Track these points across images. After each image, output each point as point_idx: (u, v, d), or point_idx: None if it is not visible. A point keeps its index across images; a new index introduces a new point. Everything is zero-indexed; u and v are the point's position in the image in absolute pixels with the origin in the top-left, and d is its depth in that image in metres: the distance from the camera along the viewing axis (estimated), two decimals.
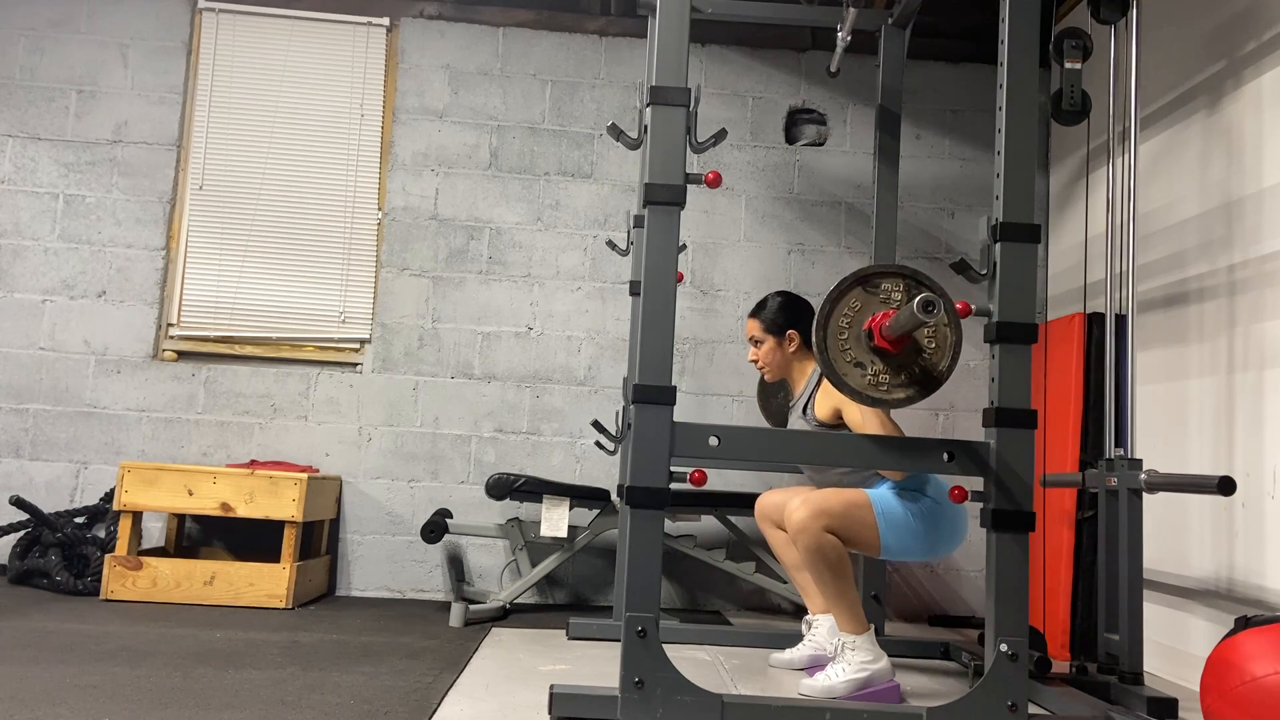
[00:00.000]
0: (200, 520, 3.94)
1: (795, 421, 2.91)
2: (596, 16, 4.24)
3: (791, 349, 2.94)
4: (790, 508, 2.61)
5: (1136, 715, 2.41)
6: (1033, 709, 2.54)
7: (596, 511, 3.72)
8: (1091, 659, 3.00)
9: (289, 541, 3.48)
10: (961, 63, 4.32)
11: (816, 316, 2.28)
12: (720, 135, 2.36)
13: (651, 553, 2.15)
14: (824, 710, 2.13)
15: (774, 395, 3.38)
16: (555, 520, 3.54)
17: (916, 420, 4.13)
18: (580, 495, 3.62)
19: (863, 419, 2.63)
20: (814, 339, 2.27)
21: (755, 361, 2.98)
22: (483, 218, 4.14)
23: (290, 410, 4.00)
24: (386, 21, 4.22)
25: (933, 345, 2.26)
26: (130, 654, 2.60)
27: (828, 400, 2.77)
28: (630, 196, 4.19)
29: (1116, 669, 2.72)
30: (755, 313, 2.98)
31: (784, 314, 2.93)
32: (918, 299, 1.97)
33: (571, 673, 2.69)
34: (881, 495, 2.63)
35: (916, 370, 2.25)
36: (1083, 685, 2.74)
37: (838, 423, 2.75)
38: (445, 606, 3.73)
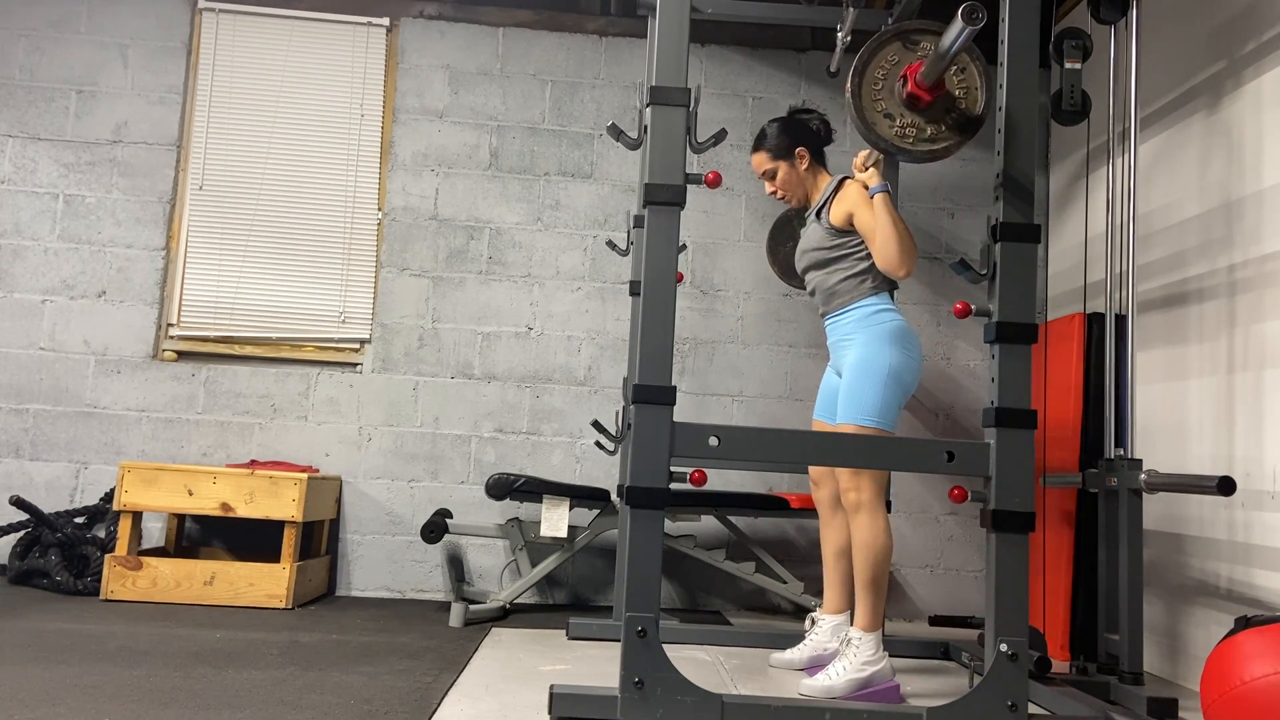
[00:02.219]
0: (200, 520, 3.94)
1: (810, 226, 2.93)
2: (596, 16, 4.24)
3: (804, 166, 2.95)
4: (844, 488, 2.67)
5: (1136, 715, 2.41)
6: (1033, 709, 2.54)
7: (596, 511, 3.72)
8: (1091, 659, 3.00)
9: (289, 541, 3.48)
10: None
11: (854, 64, 2.32)
12: (720, 135, 2.36)
13: (651, 553, 2.15)
14: (824, 710, 2.13)
15: (782, 245, 3.36)
16: (555, 520, 3.54)
17: (916, 421, 4.13)
18: (580, 495, 3.62)
19: (873, 220, 2.67)
20: (848, 85, 2.32)
21: (774, 193, 2.99)
22: (483, 218, 4.14)
23: (290, 410, 4.00)
24: (386, 21, 4.22)
25: (963, 103, 2.29)
26: (130, 654, 2.60)
27: (842, 206, 2.80)
28: (630, 196, 4.19)
29: (1116, 669, 2.72)
30: (757, 146, 2.98)
31: (786, 135, 2.95)
32: (961, 7, 1.97)
33: (571, 673, 2.69)
34: (873, 405, 2.66)
35: (951, 119, 2.29)
36: (1083, 685, 2.74)
37: (849, 227, 2.79)
38: (445, 606, 3.73)
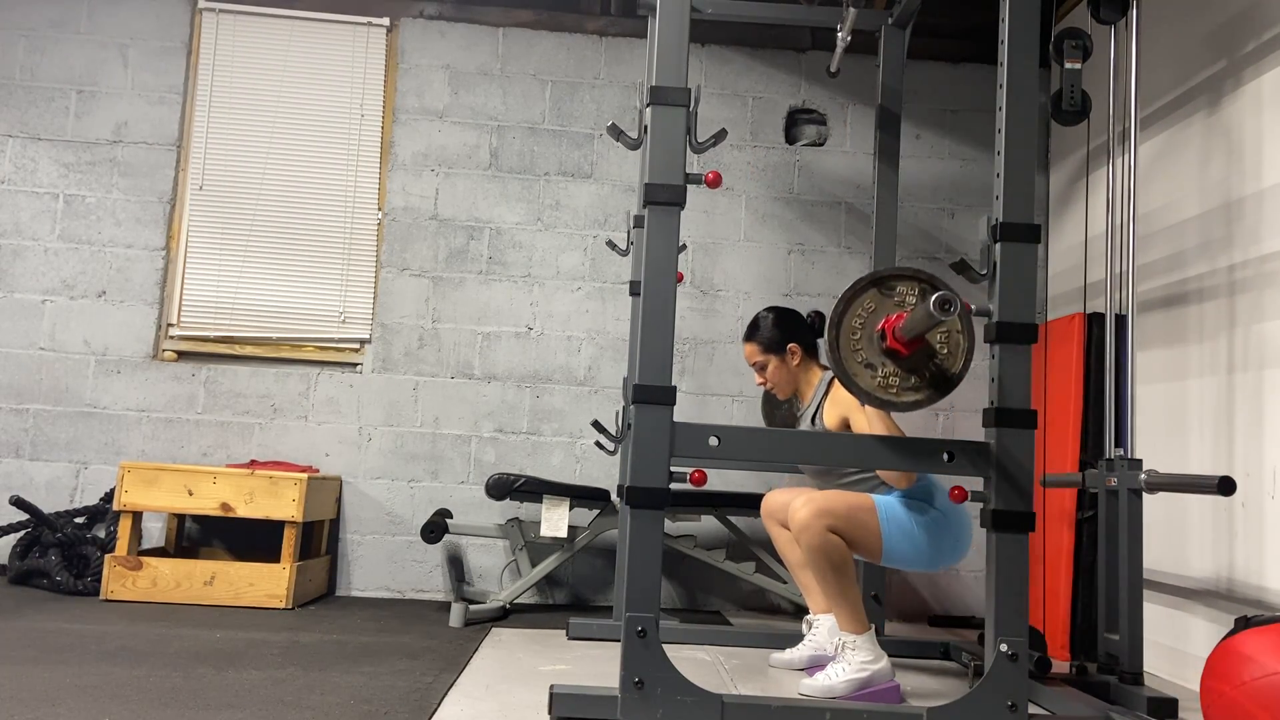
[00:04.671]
0: (200, 520, 3.94)
1: (804, 430, 2.89)
2: (596, 16, 4.24)
3: (795, 362, 2.92)
4: (794, 506, 2.61)
5: (1136, 715, 2.41)
6: (1033, 709, 2.54)
7: (596, 511, 3.72)
8: (1091, 659, 2.99)
9: (289, 541, 3.48)
10: (961, 63, 4.32)
11: (830, 315, 2.28)
12: (720, 135, 2.36)
13: (651, 553, 2.15)
14: (824, 710, 2.13)
15: (778, 406, 3.37)
16: (555, 520, 3.54)
17: (916, 420, 4.13)
18: (580, 495, 3.62)
19: (868, 425, 2.63)
20: (827, 336, 2.27)
21: (763, 384, 2.96)
22: (483, 218, 4.14)
23: (290, 410, 4.00)
24: (386, 21, 4.22)
25: (945, 350, 2.26)
26: (130, 654, 2.60)
27: (836, 410, 2.77)
28: (630, 196, 4.19)
29: (1116, 669, 2.72)
30: (749, 337, 2.95)
31: (779, 330, 2.92)
32: (934, 297, 1.96)
33: (571, 673, 2.69)
34: (887, 502, 2.64)
35: (928, 374, 2.26)
36: (1083, 685, 2.74)
37: (845, 431, 2.75)
38: (445, 606, 3.73)
